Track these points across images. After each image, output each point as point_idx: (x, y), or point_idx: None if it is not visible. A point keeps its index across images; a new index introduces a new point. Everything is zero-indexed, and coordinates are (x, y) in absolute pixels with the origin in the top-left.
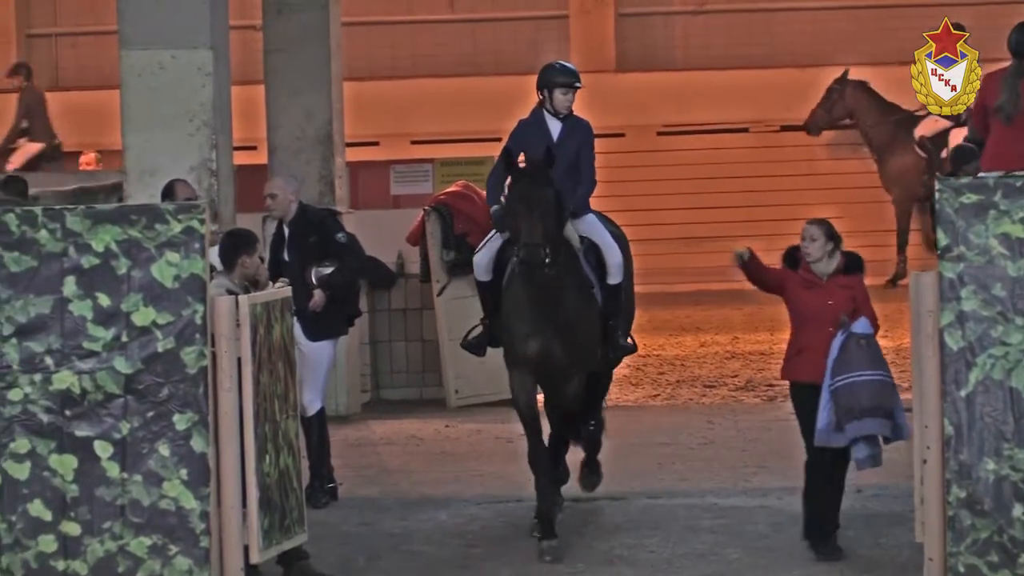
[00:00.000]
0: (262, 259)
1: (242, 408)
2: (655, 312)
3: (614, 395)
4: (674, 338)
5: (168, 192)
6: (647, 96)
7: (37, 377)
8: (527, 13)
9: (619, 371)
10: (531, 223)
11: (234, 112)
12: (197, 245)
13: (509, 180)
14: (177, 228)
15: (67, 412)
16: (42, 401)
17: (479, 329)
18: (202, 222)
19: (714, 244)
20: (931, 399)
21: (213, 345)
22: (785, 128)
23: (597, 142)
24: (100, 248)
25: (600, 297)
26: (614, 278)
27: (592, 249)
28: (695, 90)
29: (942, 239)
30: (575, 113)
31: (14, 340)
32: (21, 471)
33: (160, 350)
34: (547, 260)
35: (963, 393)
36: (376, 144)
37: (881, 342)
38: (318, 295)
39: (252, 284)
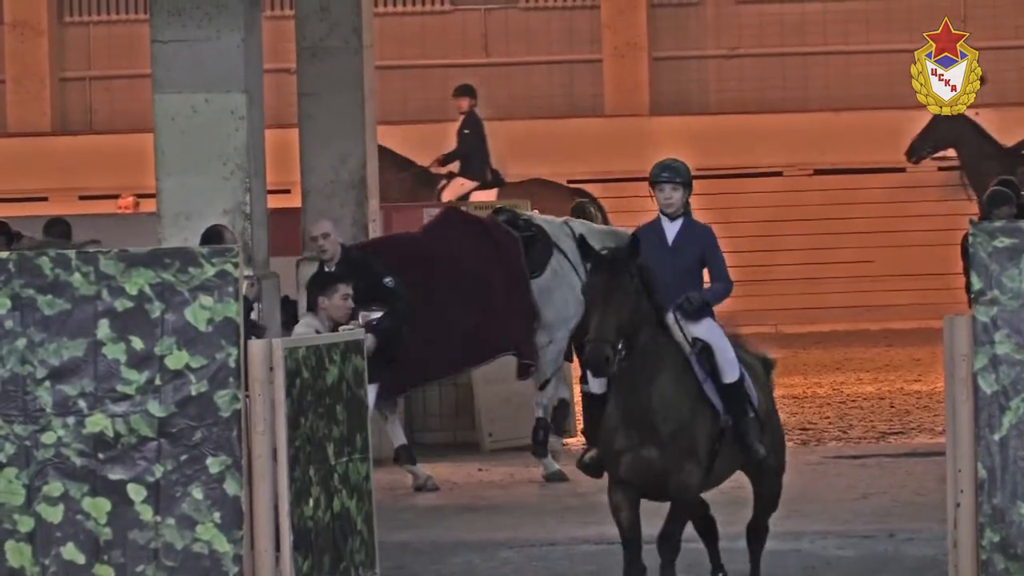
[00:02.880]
0: (347, 297)
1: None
2: None
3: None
4: None
5: (209, 237)
6: (680, 139)
7: (70, 420)
8: (561, 57)
9: None
10: (602, 317)
11: (268, 156)
12: (231, 289)
13: (590, 266)
14: (211, 272)
15: (100, 455)
16: (75, 444)
17: (593, 451)
18: (236, 266)
19: (749, 288)
20: (965, 442)
21: (247, 389)
22: (818, 172)
23: (628, 186)
24: (134, 291)
25: (719, 403)
26: (727, 376)
27: (706, 351)
28: (728, 134)
29: (976, 283)
30: (694, 217)
31: (47, 383)
32: (54, 514)
33: (193, 393)
34: (616, 357)
35: (997, 437)
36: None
37: (914, 386)
38: (369, 339)
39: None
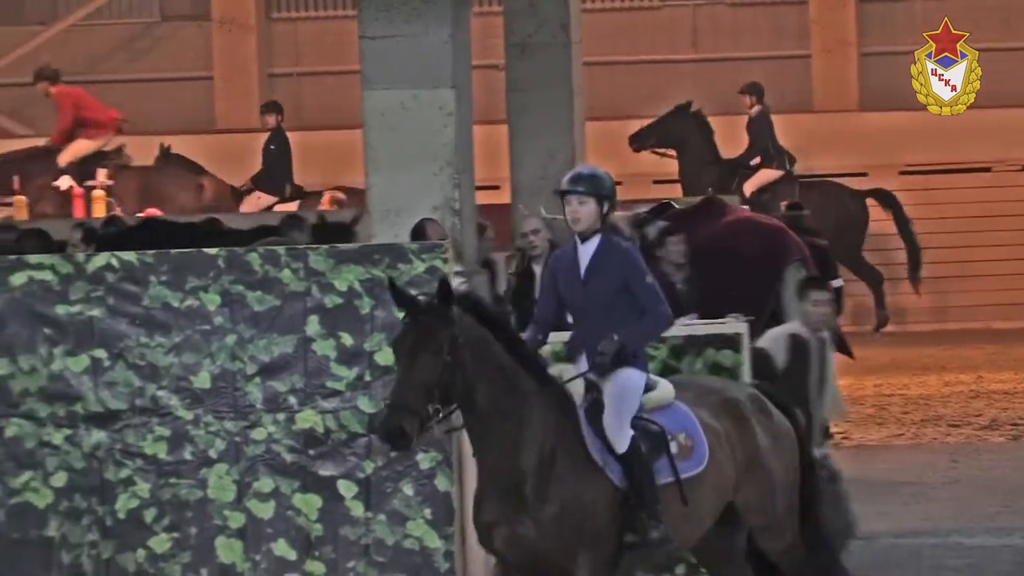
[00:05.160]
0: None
1: None
2: (897, 351)
3: (857, 435)
4: (917, 377)
5: (418, 232)
6: (890, 135)
7: (281, 416)
8: (769, 53)
9: (864, 410)
10: (402, 380)
11: (477, 151)
12: None
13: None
14: (420, 267)
15: (311, 451)
16: (286, 440)
17: None
18: (445, 261)
19: (957, 284)
20: None
21: None
22: None
23: (840, 182)
24: (343, 287)
25: (616, 474)
26: (615, 445)
27: (595, 408)
28: (938, 129)
29: None
30: (614, 234)
31: (258, 379)
32: (265, 510)
33: None
34: (423, 427)
35: None
36: (619, 183)
37: None
38: None
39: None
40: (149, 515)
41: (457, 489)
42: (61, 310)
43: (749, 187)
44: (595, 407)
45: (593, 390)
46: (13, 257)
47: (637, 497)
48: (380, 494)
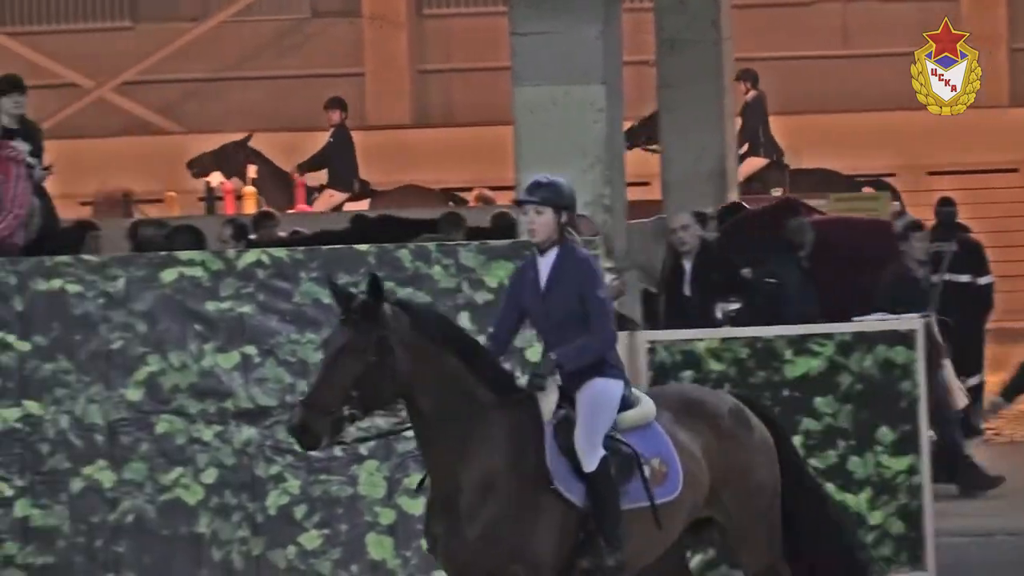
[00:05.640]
0: None
1: None
2: None
3: (1009, 431)
4: None
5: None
6: None
7: None
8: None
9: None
10: (321, 379)
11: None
12: None
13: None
14: None
15: None
16: None
17: None
18: (595, 258)
19: None
20: None
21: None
22: None
23: (988, 178)
24: (494, 284)
25: (577, 494)
26: (584, 463)
27: (565, 425)
28: None
29: None
30: (574, 244)
31: None
32: (416, 506)
33: None
34: (337, 428)
35: None
36: None
37: None
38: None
39: None
40: (299, 511)
41: None
42: (211, 306)
43: (738, 176)
44: (565, 424)
45: (565, 405)
46: (164, 253)
47: (597, 520)
48: None
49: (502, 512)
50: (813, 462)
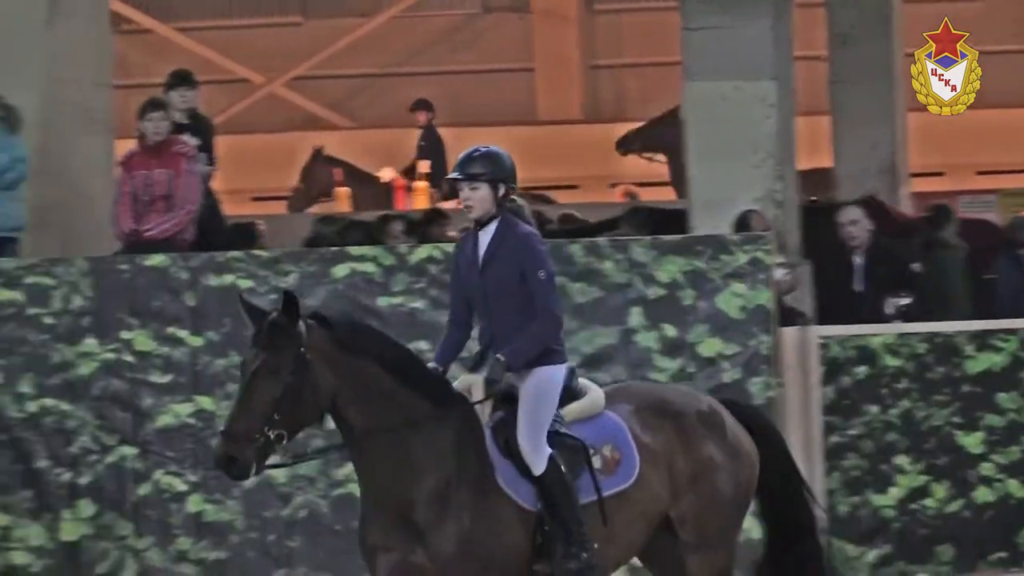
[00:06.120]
0: None
1: None
2: None
3: None
4: None
5: (742, 223)
6: None
7: None
8: None
9: None
10: (239, 406)
11: (799, 143)
12: (763, 276)
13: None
14: (743, 259)
15: None
16: None
17: None
18: (768, 253)
19: None
20: None
21: (780, 376)
22: None
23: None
24: (666, 279)
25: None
26: (533, 467)
27: (504, 426)
28: None
29: None
30: (515, 219)
31: (581, 371)
32: None
33: (726, 380)
34: (261, 455)
35: None
36: (941, 175)
37: None
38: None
39: None
40: None
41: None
42: (383, 302)
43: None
44: (502, 425)
45: (502, 406)
46: (335, 248)
47: (555, 523)
48: None
49: (463, 524)
50: (996, 458)
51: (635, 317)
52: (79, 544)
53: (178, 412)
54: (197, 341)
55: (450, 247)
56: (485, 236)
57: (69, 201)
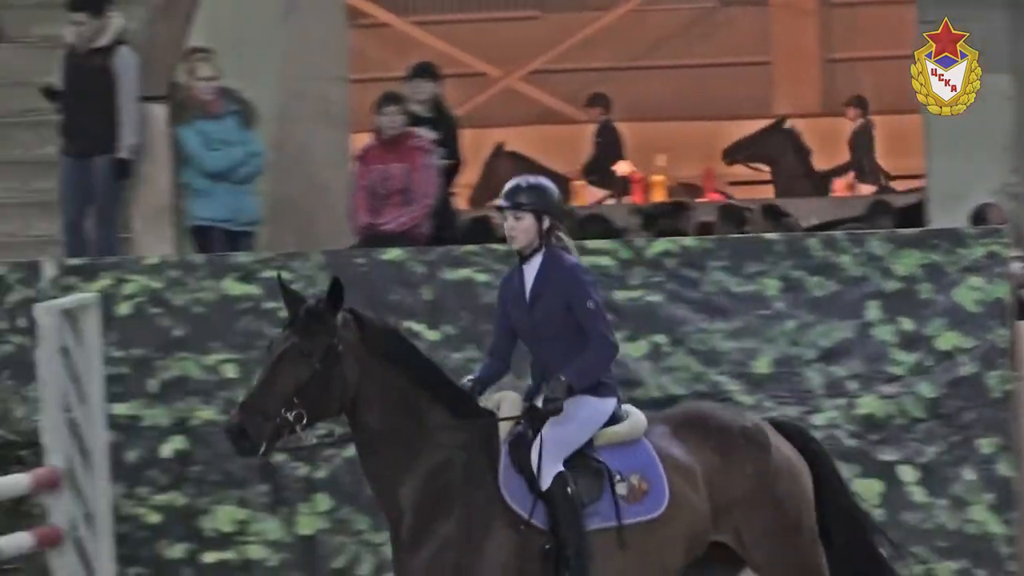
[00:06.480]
0: None
1: None
2: None
3: None
4: None
5: (979, 216)
6: None
7: (841, 402)
8: None
9: None
10: (262, 382)
11: None
12: (999, 269)
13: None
14: (979, 252)
15: (871, 436)
16: (846, 425)
17: None
18: (1005, 246)
19: None
20: None
21: (1018, 370)
22: None
23: None
24: (903, 272)
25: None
26: (541, 480)
27: (520, 442)
28: None
29: None
30: (560, 251)
31: (818, 365)
32: None
33: (963, 374)
34: (277, 435)
35: None
36: None
37: None
38: None
39: None
40: None
41: (1020, 475)
42: (620, 295)
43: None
44: (519, 440)
45: (523, 422)
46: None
47: (556, 540)
48: (941, 479)
49: (447, 539)
50: None
51: (872, 311)
52: (315, 538)
53: None
54: (434, 335)
55: (687, 241)
56: (531, 270)
57: (305, 195)
